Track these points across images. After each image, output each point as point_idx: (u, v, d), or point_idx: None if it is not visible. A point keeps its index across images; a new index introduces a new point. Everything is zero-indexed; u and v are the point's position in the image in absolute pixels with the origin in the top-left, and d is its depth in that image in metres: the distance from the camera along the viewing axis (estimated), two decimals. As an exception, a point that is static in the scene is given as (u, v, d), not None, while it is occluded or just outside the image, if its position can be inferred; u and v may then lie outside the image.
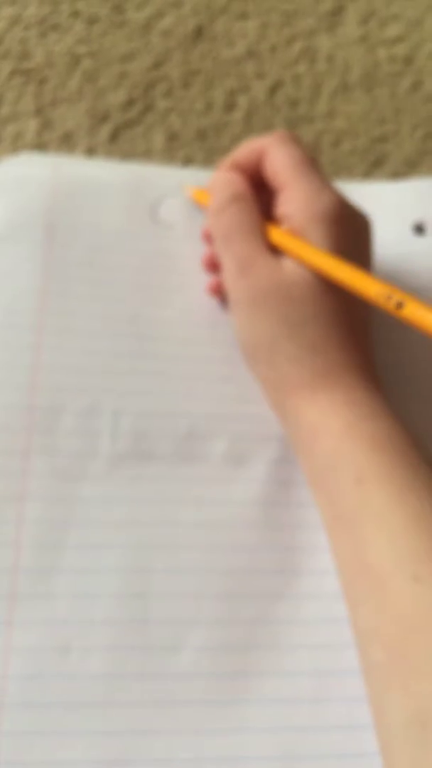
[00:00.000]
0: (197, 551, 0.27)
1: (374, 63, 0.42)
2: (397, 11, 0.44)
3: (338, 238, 0.27)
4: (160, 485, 0.28)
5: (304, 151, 0.29)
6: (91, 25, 0.41)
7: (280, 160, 0.29)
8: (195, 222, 0.34)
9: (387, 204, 0.35)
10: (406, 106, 0.41)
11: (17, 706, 0.24)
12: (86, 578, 0.26)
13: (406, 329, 0.25)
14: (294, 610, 0.27)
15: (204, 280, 0.32)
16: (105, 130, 0.38)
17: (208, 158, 0.38)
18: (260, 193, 0.30)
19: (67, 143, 0.37)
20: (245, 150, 0.31)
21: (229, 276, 0.28)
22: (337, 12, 0.43)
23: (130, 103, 0.39)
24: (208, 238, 0.32)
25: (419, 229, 0.35)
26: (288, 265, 0.27)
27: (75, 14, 0.41)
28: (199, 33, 0.41)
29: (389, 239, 0.34)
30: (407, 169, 0.39)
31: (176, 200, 0.34)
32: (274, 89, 0.40)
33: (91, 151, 0.37)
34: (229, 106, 0.39)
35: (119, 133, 0.38)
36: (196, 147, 0.38)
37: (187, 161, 0.37)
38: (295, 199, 0.28)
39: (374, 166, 0.39)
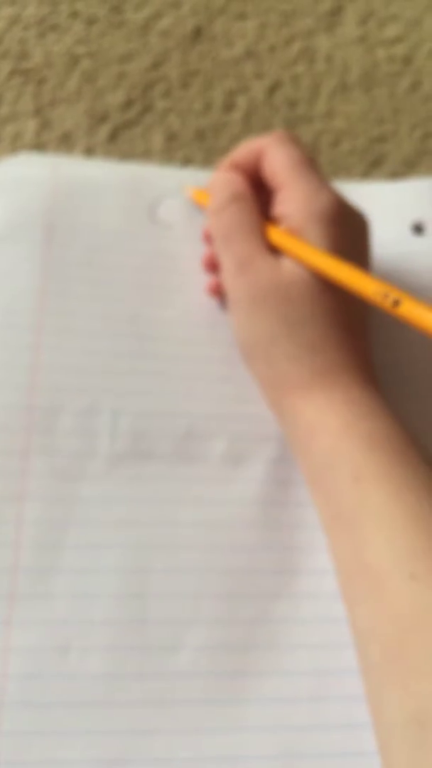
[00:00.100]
0: (196, 551, 0.27)
1: (373, 63, 0.42)
2: (396, 11, 0.44)
3: (336, 238, 0.27)
4: (159, 485, 0.28)
5: (302, 151, 0.29)
6: (89, 26, 0.41)
7: (278, 160, 0.29)
8: (194, 222, 0.34)
9: (386, 204, 0.35)
10: (405, 106, 0.41)
11: (17, 706, 0.24)
12: (85, 578, 0.26)
13: (404, 329, 0.25)
14: (293, 610, 0.27)
15: (203, 280, 0.32)
16: (104, 131, 0.38)
17: (207, 158, 0.38)
18: (259, 192, 0.30)
19: (65, 143, 0.37)
20: (244, 150, 0.31)
21: (229, 275, 0.28)
22: (336, 12, 0.43)
23: (128, 103, 0.39)
24: (208, 238, 0.32)
25: (418, 229, 0.35)
26: (287, 265, 0.27)
27: (74, 14, 0.41)
28: (197, 33, 0.41)
29: (388, 239, 0.34)
30: (406, 169, 0.39)
31: (175, 200, 0.34)
32: (272, 89, 0.40)
33: (89, 152, 0.37)
34: (228, 107, 0.39)
35: (118, 133, 0.38)
36: (195, 147, 0.38)
37: (186, 161, 0.37)
38: (294, 198, 0.28)
39: (373, 166, 0.39)
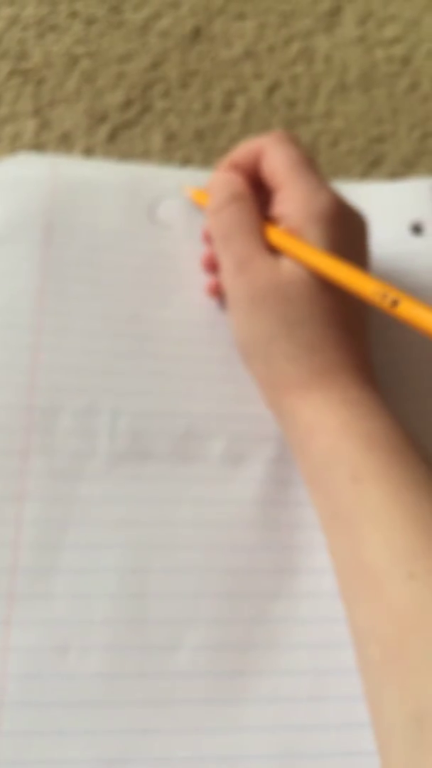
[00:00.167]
0: (195, 551, 0.27)
1: (372, 63, 0.42)
2: (395, 12, 0.44)
3: (335, 238, 0.27)
4: (159, 485, 0.28)
5: (301, 151, 0.29)
6: (89, 26, 0.41)
7: (277, 160, 0.29)
8: (193, 222, 0.34)
9: (385, 204, 0.35)
10: (404, 107, 0.41)
11: (16, 706, 0.24)
12: (85, 578, 0.26)
13: (403, 329, 0.25)
14: (292, 609, 0.27)
15: (202, 280, 0.32)
16: (103, 131, 0.38)
17: (206, 158, 0.38)
18: (258, 192, 0.30)
19: (65, 143, 0.37)
20: (243, 150, 0.31)
21: (228, 275, 0.28)
22: (335, 12, 0.43)
23: (128, 103, 0.39)
24: (207, 238, 0.32)
25: (417, 229, 0.35)
26: (286, 265, 0.27)
27: (73, 15, 0.41)
28: (197, 34, 0.41)
29: (387, 239, 0.34)
30: (405, 169, 0.39)
31: (174, 201, 0.34)
32: (271, 90, 0.40)
33: (89, 152, 0.37)
34: (227, 107, 0.39)
35: (117, 133, 0.38)
36: (194, 147, 0.38)
37: (185, 161, 0.37)
38: (292, 198, 0.28)
39: (372, 167, 0.39)
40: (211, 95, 0.40)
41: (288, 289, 0.27)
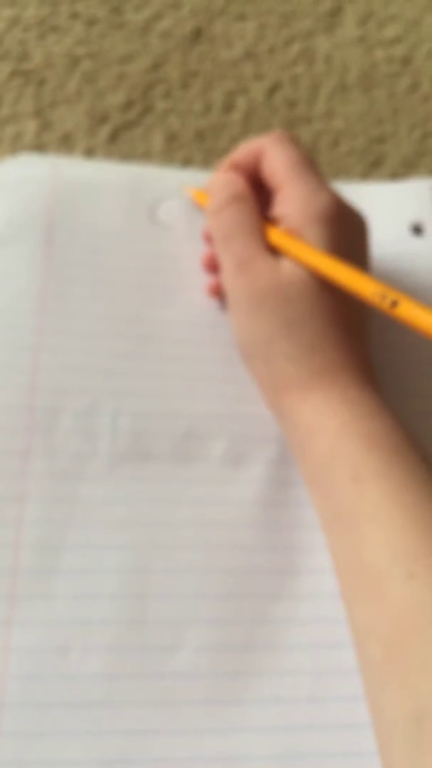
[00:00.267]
0: (196, 551, 0.27)
1: (372, 64, 0.42)
2: (396, 12, 0.44)
3: (335, 238, 0.27)
4: (160, 485, 0.28)
5: (301, 152, 0.29)
6: (90, 27, 0.41)
7: (277, 161, 0.29)
8: (193, 223, 0.34)
9: (385, 205, 0.35)
10: (404, 107, 0.41)
11: (17, 706, 0.24)
12: (86, 578, 0.26)
13: (403, 329, 0.25)
14: (293, 610, 0.27)
15: (203, 280, 0.32)
16: (104, 131, 0.38)
17: (207, 159, 0.38)
18: (259, 193, 0.30)
19: (66, 144, 0.37)
20: (244, 150, 0.31)
21: (228, 275, 0.28)
22: (336, 13, 0.43)
23: (129, 104, 0.39)
24: (208, 238, 0.32)
25: (417, 229, 0.35)
26: (286, 265, 0.27)
27: (74, 16, 0.41)
28: (197, 34, 0.41)
29: (387, 240, 0.34)
30: (405, 169, 0.39)
31: (175, 201, 0.34)
32: (272, 90, 0.40)
33: (90, 152, 0.37)
34: (228, 107, 0.39)
35: (118, 134, 0.38)
36: (194, 148, 0.38)
37: (186, 162, 0.38)
38: (292, 199, 0.28)
39: (372, 167, 0.39)
40: (212, 96, 0.40)
41: (288, 289, 0.27)
